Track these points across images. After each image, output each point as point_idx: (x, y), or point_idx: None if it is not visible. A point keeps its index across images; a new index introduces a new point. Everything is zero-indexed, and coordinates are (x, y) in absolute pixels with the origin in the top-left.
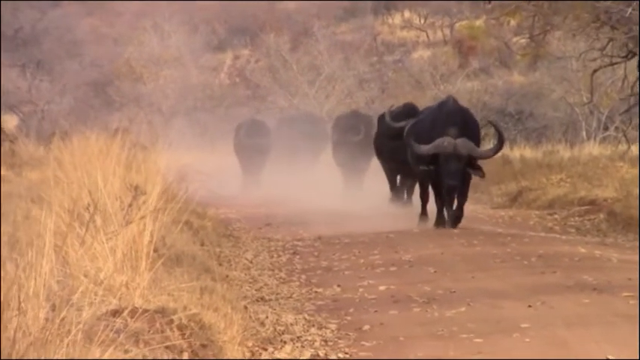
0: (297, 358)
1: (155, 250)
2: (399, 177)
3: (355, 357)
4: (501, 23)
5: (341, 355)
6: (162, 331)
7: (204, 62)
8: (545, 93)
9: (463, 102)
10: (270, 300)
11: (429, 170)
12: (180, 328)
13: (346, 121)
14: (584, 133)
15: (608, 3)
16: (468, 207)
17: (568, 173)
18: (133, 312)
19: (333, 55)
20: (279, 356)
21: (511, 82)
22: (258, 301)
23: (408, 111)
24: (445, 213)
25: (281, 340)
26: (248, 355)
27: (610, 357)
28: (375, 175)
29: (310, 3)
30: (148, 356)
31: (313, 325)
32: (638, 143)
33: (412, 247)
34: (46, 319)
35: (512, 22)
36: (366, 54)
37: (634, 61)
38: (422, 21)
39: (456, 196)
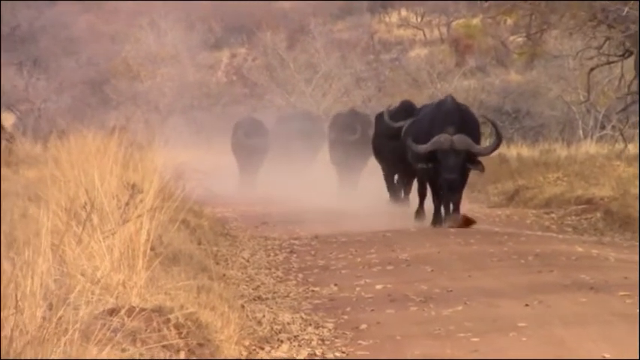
0: (294, 357)
1: (152, 249)
2: (396, 176)
3: (352, 356)
4: (498, 22)
5: (338, 354)
6: (160, 330)
7: (201, 60)
8: (542, 92)
9: (460, 101)
10: (267, 299)
11: (428, 168)
12: (177, 327)
13: (343, 120)
14: (580, 131)
15: (605, 2)
16: (465, 206)
17: (565, 172)
18: (130, 311)
19: (330, 54)
20: (275, 355)
21: (508, 81)
22: (255, 300)
23: (406, 109)
24: (443, 211)
25: (278, 339)
26: (245, 354)
27: (607, 356)
28: (371, 174)
29: (307, 1)
30: (145, 355)
31: (310, 324)
32: (636, 141)
33: (409, 246)
34: (44, 318)
35: (509, 21)
36: (363, 52)
37: (631, 60)
38: (419, 19)
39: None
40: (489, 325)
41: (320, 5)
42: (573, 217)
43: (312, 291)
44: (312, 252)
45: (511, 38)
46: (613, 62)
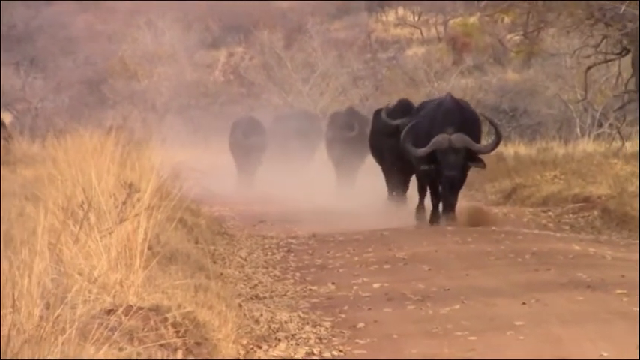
0: (292, 355)
1: (149, 248)
2: (394, 174)
3: (349, 354)
4: (495, 20)
5: (335, 353)
6: (157, 329)
7: (198, 59)
8: (539, 90)
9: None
10: (265, 297)
11: (429, 170)
12: (175, 325)
13: (341, 119)
14: (578, 130)
15: (602, 0)
16: (462, 204)
17: (562, 170)
18: (128, 310)
19: (327, 53)
20: (273, 354)
21: (505, 79)
22: (252, 298)
23: (404, 107)
24: (440, 210)
25: (275, 338)
26: (242, 352)
27: (604, 354)
28: (369, 173)
29: (304, 0)
30: (142, 354)
31: (307, 323)
32: (633, 140)
33: (406, 245)
34: (41, 317)
35: (506, 20)
36: (360, 51)
37: (628, 58)
38: (416, 18)
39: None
40: (487, 324)
41: (317, 5)
42: (570, 216)
43: (310, 290)
44: (310, 251)
45: (508, 37)
46: (610, 60)
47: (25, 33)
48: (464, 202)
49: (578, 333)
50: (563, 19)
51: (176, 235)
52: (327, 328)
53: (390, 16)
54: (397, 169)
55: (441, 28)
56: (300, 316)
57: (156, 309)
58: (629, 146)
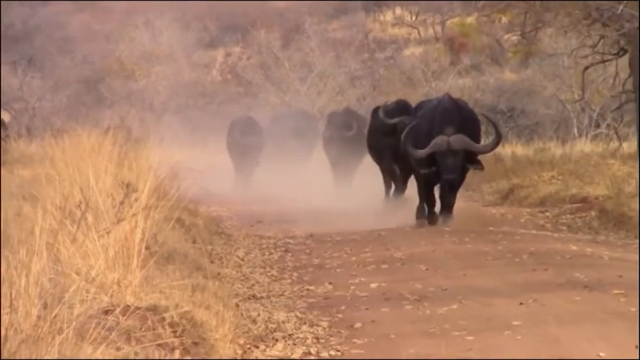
0: (289, 355)
1: (147, 248)
2: (391, 173)
3: (347, 354)
4: (493, 20)
5: (332, 353)
6: (154, 329)
7: (195, 59)
8: (536, 90)
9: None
10: (262, 298)
11: (430, 172)
12: (172, 325)
13: (338, 118)
14: (575, 130)
15: (600, 0)
16: (459, 204)
17: (559, 171)
18: (125, 310)
19: (325, 53)
20: (270, 354)
21: (502, 80)
22: (249, 298)
23: (401, 108)
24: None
25: (273, 338)
26: (240, 352)
27: (602, 354)
28: (366, 172)
29: (301, 0)
30: (139, 354)
31: (305, 323)
32: (631, 140)
33: (404, 245)
34: (38, 317)
35: (504, 20)
36: (358, 51)
37: (625, 59)
38: (413, 18)
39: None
40: (484, 324)
41: (315, 4)
42: (568, 216)
43: (307, 290)
44: (307, 251)
45: (506, 37)
46: (607, 61)
47: (22, 32)
48: (461, 202)
49: (575, 333)
50: (560, 19)
51: (174, 235)
52: (324, 328)
53: (388, 16)
54: (395, 168)
55: (438, 28)
56: (297, 316)
57: (153, 309)
58: (627, 147)
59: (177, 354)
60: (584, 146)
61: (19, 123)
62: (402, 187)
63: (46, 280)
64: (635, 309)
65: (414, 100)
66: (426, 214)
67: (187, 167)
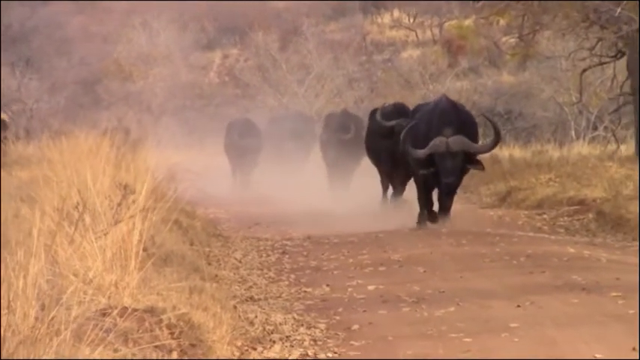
0: (286, 357)
1: (144, 250)
2: (389, 175)
3: (344, 356)
4: (490, 23)
5: (330, 355)
6: (152, 331)
7: (193, 61)
8: (534, 93)
9: None
10: (259, 299)
11: (429, 173)
12: (170, 327)
13: (335, 121)
14: (573, 132)
15: (598, 2)
16: (457, 207)
17: (557, 173)
18: (123, 311)
19: (323, 55)
20: (268, 356)
21: (500, 82)
22: (247, 300)
23: (399, 110)
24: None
25: (270, 340)
26: (237, 354)
27: (598, 356)
28: (364, 174)
29: (299, 2)
30: (137, 355)
31: (302, 325)
32: (628, 143)
33: (401, 247)
34: (36, 318)
35: (502, 22)
36: (355, 53)
37: (623, 61)
38: (411, 20)
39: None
40: (481, 326)
41: (313, 6)
42: (565, 218)
43: (305, 292)
44: (305, 253)
45: (503, 39)
46: (605, 63)
47: (20, 33)
48: (459, 204)
49: (572, 335)
50: (558, 21)
51: (171, 237)
52: (321, 330)
53: (386, 18)
54: (393, 170)
55: (436, 31)
56: (294, 318)
57: (151, 310)
58: (624, 149)
59: (174, 355)
60: (581, 149)
61: (17, 124)
62: (400, 189)
63: (43, 282)
64: (632, 311)
65: (411, 102)
66: (425, 217)
67: (185, 169)
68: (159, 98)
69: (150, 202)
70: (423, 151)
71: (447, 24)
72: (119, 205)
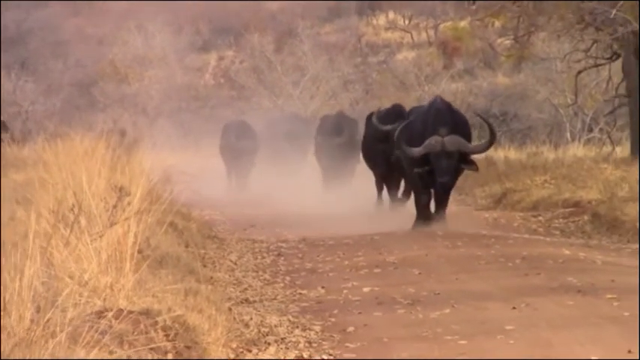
0: (282, 359)
1: (139, 252)
2: (385, 178)
3: (339, 358)
4: (486, 24)
5: (325, 357)
6: (147, 333)
7: (188, 63)
8: (529, 94)
9: None
10: (255, 301)
11: (423, 172)
12: (165, 329)
13: (329, 123)
14: (568, 134)
15: (593, 4)
16: (452, 209)
17: (552, 175)
18: (118, 313)
19: (318, 56)
20: (263, 357)
21: (495, 84)
22: (242, 302)
23: (397, 112)
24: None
25: (265, 342)
26: (232, 356)
27: (594, 358)
28: (358, 176)
29: (294, 3)
30: (132, 357)
31: (297, 327)
32: (623, 144)
33: (396, 249)
34: (31, 320)
35: (497, 24)
36: (351, 55)
37: (618, 63)
38: (406, 22)
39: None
40: (477, 328)
41: (308, 8)
42: (561, 220)
43: (300, 294)
44: (300, 255)
45: (499, 41)
46: (601, 65)
47: (15, 35)
48: (454, 206)
49: (568, 337)
50: (553, 23)
51: (166, 239)
52: (316, 332)
53: (381, 20)
54: (389, 173)
55: (431, 32)
56: (289, 320)
57: (146, 313)
58: (620, 151)
59: (169, 357)
60: (576, 150)
61: (13, 127)
62: (395, 192)
63: (39, 284)
64: (627, 313)
65: (407, 104)
66: (422, 219)
67: (180, 171)
68: (154, 100)
69: (145, 204)
70: (418, 149)
71: (442, 26)
72: (114, 207)
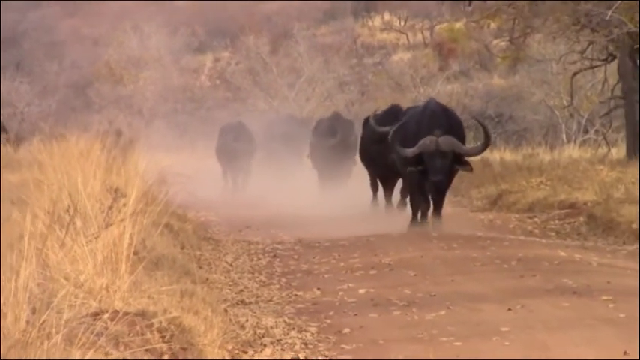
0: None
1: (135, 253)
2: (381, 180)
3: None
4: (481, 26)
5: (321, 358)
6: (143, 334)
7: (184, 64)
8: (525, 96)
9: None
10: (250, 303)
11: (417, 172)
12: (161, 331)
13: (324, 125)
14: (564, 136)
15: (589, 5)
16: (447, 210)
17: (548, 176)
18: (114, 315)
19: (313, 58)
20: (259, 359)
21: (491, 85)
22: (238, 304)
23: (395, 113)
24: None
25: (261, 343)
26: (228, 357)
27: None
28: (355, 179)
29: (290, 5)
30: (128, 359)
31: (293, 328)
32: (619, 146)
33: (392, 251)
34: (27, 322)
35: (493, 25)
36: (346, 56)
37: (614, 64)
38: (402, 23)
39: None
40: (472, 330)
41: (303, 9)
42: (556, 222)
43: (295, 295)
44: (296, 256)
45: (494, 42)
46: (596, 66)
47: (10, 37)
48: (450, 208)
49: (563, 339)
50: (549, 24)
51: (162, 240)
52: (312, 333)
53: (376, 21)
54: (386, 175)
55: (427, 34)
56: (285, 322)
57: (142, 314)
58: (615, 152)
59: (165, 359)
60: (572, 152)
61: (8, 128)
62: (390, 193)
63: (34, 285)
64: (623, 315)
65: (402, 105)
66: (416, 220)
67: (176, 172)
68: (150, 101)
69: (141, 206)
70: (412, 150)
71: (437, 27)
72: (110, 208)
